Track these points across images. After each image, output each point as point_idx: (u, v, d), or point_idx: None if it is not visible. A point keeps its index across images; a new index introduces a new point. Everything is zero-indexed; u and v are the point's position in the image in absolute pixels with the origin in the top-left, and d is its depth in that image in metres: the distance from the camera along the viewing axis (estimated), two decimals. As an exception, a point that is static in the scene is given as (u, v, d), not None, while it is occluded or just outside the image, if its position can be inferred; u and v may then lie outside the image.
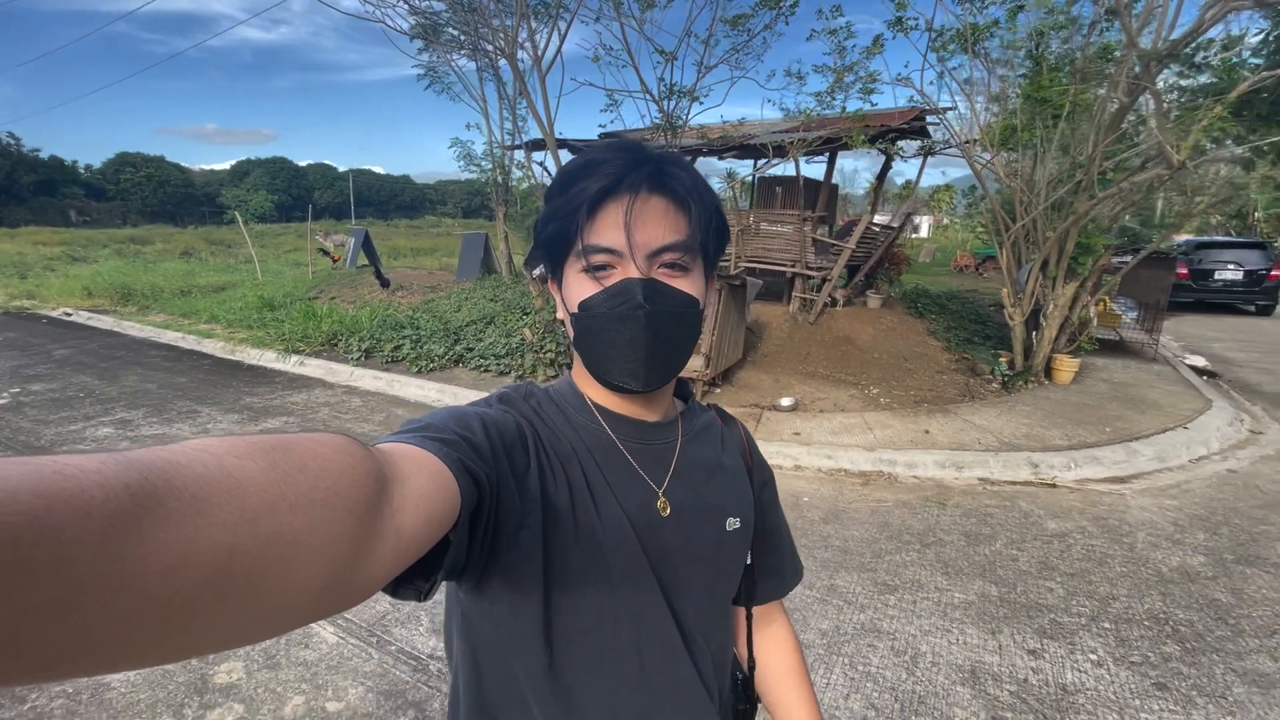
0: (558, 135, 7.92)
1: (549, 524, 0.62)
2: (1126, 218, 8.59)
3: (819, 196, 9.81)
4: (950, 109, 8.06)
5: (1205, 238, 15.52)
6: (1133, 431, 5.49)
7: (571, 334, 0.69)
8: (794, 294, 8.24)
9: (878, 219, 10.53)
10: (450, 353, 7.40)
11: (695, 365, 6.11)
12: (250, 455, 0.29)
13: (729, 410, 0.94)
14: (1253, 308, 13.55)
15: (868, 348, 7.67)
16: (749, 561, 0.82)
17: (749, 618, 0.87)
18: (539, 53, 7.49)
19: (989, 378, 6.81)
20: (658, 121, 7.71)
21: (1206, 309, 13.69)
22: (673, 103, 7.54)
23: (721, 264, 5.54)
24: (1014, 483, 4.71)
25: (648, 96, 7.42)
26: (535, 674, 0.64)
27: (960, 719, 2.38)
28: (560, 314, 0.71)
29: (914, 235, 12.03)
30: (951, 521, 4.02)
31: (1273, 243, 16.31)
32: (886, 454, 5.03)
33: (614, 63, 7.68)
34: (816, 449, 5.15)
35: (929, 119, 8.57)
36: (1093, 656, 2.74)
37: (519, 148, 9.65)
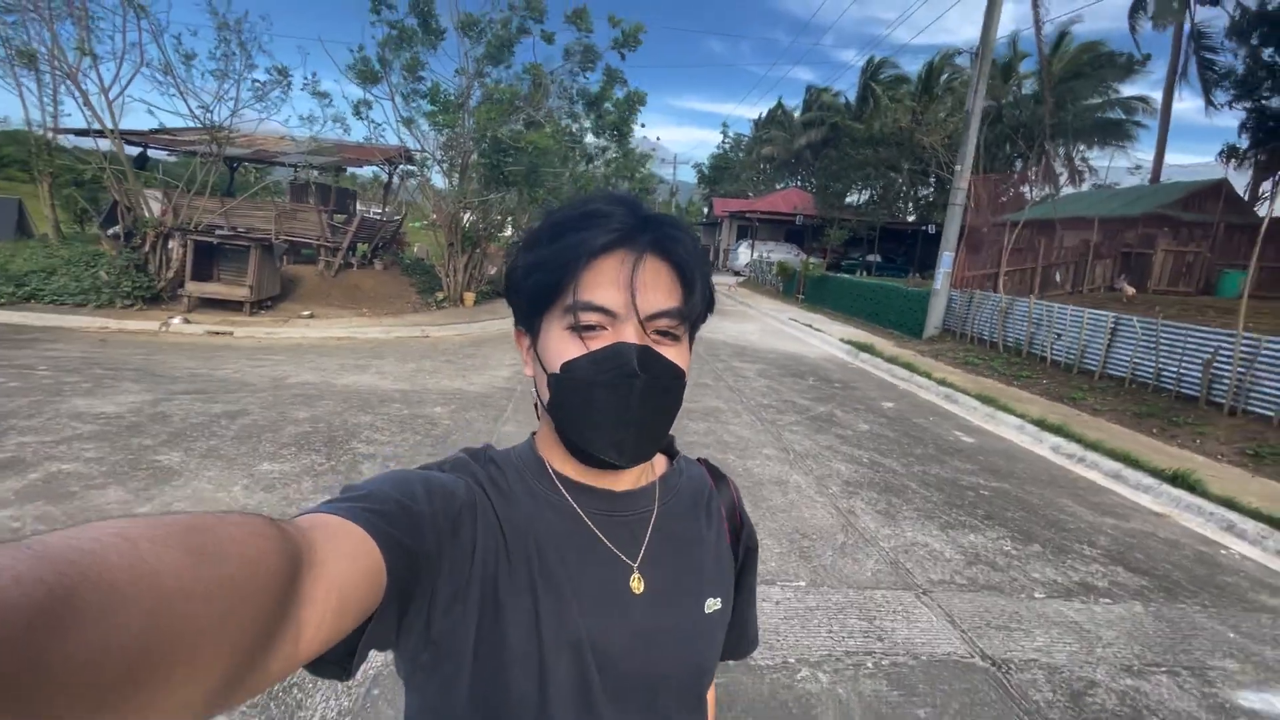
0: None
1: (487, 601, 0.57)
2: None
3: (331, 197, 14.60)
4: (421, 151, 13.78)
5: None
6: (481, 318, 12.00)
7: (546, 396, 0.62)
8: (320, 258, 12.79)
9: (383, 213, 15.92)
10: (19, 292, 9.48)
11: (241, 294, 10.15)
12: (165, 541, 0.28)
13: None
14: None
15: (370, 290, 12.81)
16: None
17: None
18: (104, 84, 10.08)
19: (431, 303, 12.77)
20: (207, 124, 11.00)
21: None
22: (215, 118, 11.01)
23: (262, 232, 10.16)
24: (403, 338, 10.43)
25: (193, 117, 10.80)
26: None
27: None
28: (529, 370, 0.65)
29: (417, 224, 17.72)
30: (371, 347, 9.36)
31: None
32: (358, 329, 10.21)
33: (164, 87, 10.70)
34: (320, 329, 9.98)
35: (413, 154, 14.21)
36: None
37: (97, 135, 11.25)
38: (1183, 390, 7.56)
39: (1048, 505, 4.94)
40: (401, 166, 14.45)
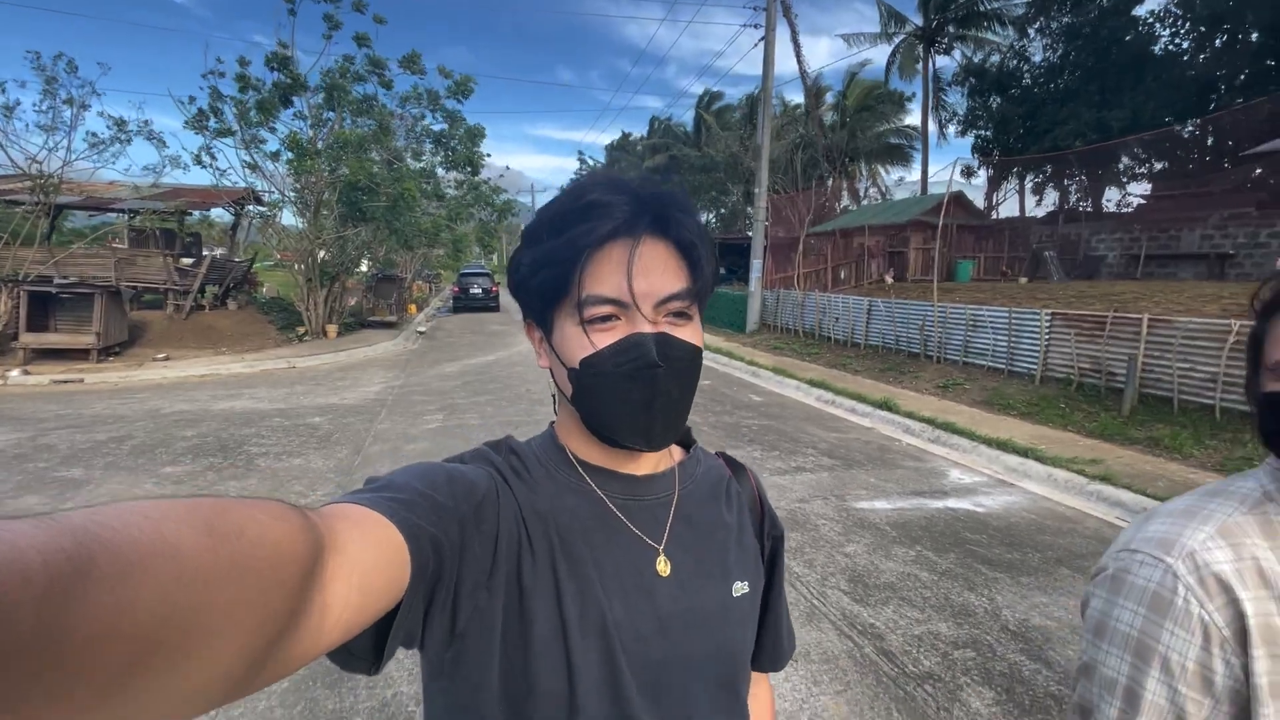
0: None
1: (511, 591, 0.57)
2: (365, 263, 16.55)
3: (176, 241, 14.44)
4: (268, 192, 14.08)
5: (467, 267, 26.89)
6: (346, 348, 12.62)
7: (567, 389, 0.63)
8: (169, 302, 12.69)
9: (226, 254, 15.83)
10: None
11: (87, 341, 10.10)
12: (187, 520, 0.28)
13: None
14: (491, 307, 24.97)
15: (226, 330, 12.91)
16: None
17: None
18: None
19: (293, 337, 13.13)
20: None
21: (469, 310, 24.36)
22: (45, 168, 10.80)
23: (101, 280, 10.25)
24: (270, 370, 10.90)
25: (14, 166, 10.56)
26: None
27: (210, 402, 8.11)
28: (545, 363, 0.66)
29: (265, 264, 17.76)
30: (238, 380, 9.80)
31: (494, 274, 29.25)
32: (222, 366, 10.52)
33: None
34: (180, 369, 10.19)
35: (261, 195, 14.42)
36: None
37: None
38: (910, 349, 10.23)
39: (797, 431, 6.92)
40: (249, 208, 14.62)
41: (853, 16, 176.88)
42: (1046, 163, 18.22)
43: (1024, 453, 5.76)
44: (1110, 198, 19.90)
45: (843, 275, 15.65)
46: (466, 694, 0.58)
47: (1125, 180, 19.65)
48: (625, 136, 60.95)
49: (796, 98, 33.16)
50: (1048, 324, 7.89)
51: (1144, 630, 0.65)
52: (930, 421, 6.89)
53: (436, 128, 14.37)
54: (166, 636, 0.25)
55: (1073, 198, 19.65)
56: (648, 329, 0.59)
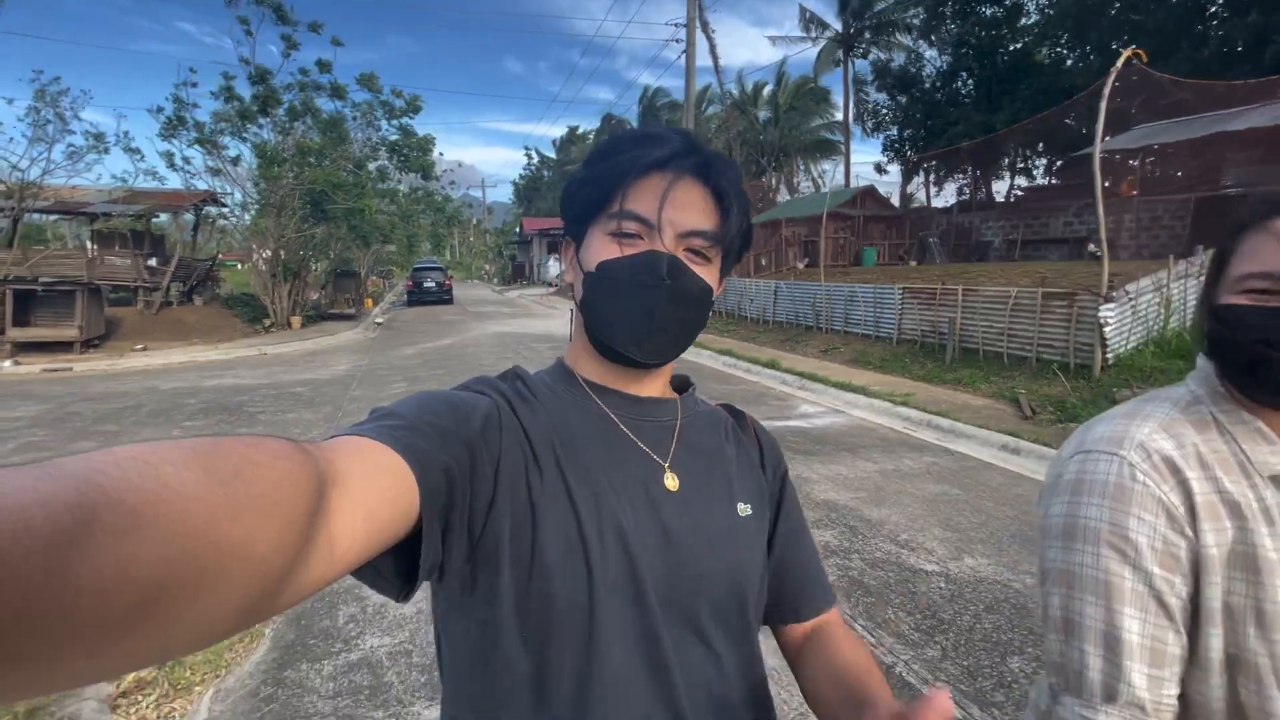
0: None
1: (523, 508, 0.58)
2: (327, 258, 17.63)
3: (145, 242, 15.29)
4: (228, 193, 15.04)
5: (421, 262, 27.85)
6: (312, 337, 13.80)
7: (580, 294, 0.66)
8: (139, 299, 13.61)
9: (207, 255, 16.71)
10: None
11: (70, 334, 11.07)
12: (186, 463, 0.28)
13: None
14: (446, 300, 26.03)
15: (194, 323, 13.91)
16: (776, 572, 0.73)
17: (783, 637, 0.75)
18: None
19: (260, 329, 14.22)
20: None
21: (424, 304, 25.42)
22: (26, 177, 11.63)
23: (73, 279, 11.24)
24: (244, 356, 12.06)
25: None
26: (518, 680, 0.58)
27: (199, 381, 9.32)
28: (570, 276, 0.69)
29: (243, 264, 18.65)
30: (217, 365, 10.95)
31: (447, 268, 30.27)
32: (199, 354, 11.63)
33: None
34: (160, 358, 11.28)
35: (222, 196, 15.35)
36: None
37: None
38: (806, 323, 12.12)
39: (700, 387, 8.64)
40: (208, 209, 15.54)
41: (786, 16, 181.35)
42: (935, 159, 20.54)
43: (858, 390, 7.62)
44: (999, 190, 22.44)
45: (763, 263, 17.54)
46: (485, 616, 0.58)
47: (1008, 175, 22.21)
48: (573, 130, 62.01)
49: (736, 89, 34.97)
50: (900, 298, 9.83)
51: (1113, 521, 0.66)
52: (801, 374, 8.73)
53: (391, 137, 15.62)
54: (174, 579, 0.26)
55: (965, 191, 22.10)
56: (666, 251, 0.62)
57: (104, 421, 6.73)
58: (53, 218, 15.12)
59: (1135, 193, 15.08)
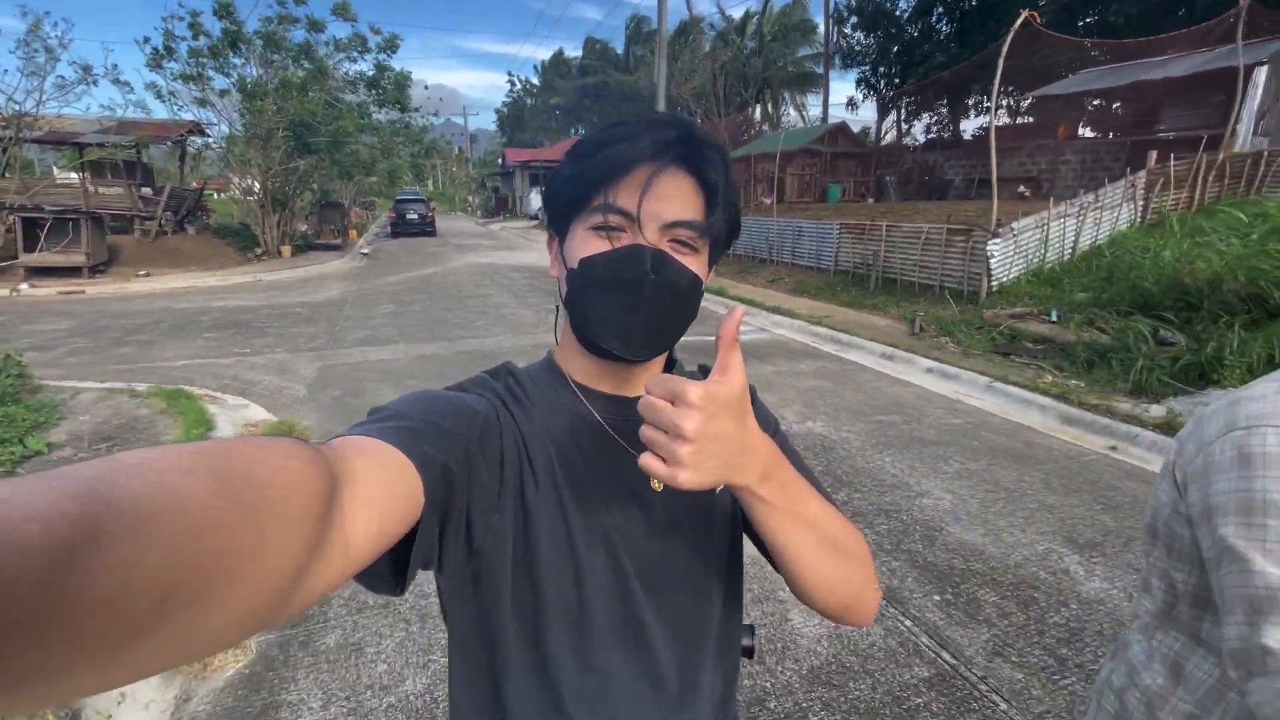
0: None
1: (517, 509, 0.62)
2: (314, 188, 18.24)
3: (138, 172, 15.82)
4: (213, 124, 15.52)
5: (403, 193, 28.25)
6: (302, 265, 14.71)
7: (564, 292, 0.67)
8: (135, 228, 14.37)
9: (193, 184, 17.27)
10: None
11: (79, 260, 11.95)
12: (192, 469, 0.28)
13: None
14: (429, 232, 26.65)
15: (190, 252, 14.74)
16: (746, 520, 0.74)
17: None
18: None
19: (252, 257, 15.10)
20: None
21: (407, 235, 26.03)
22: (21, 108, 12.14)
23: (72, 208, 12.20)
24: (241, 283, 13.03)
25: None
26: (520, 665, 0.64)
27: (205, 303, 10.39)
28: (554, 272, 0.70)
29: (221, 194, 19.06)
30: (218, 291, 11.94)
31: (430, 200, 30.68)
32: (199, 280, 12.58)
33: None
34: (163, 283, 12.23)
35: (207, 127, 15.84)
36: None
37: None
38: (760, 256, 13.24)
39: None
40: (193, 139, 16.03)
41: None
42: (903, 95, 21.08)
43: (786, 314, 8.87)
44: (967, 129, 23.06)
45: (731, 198, 18.44)
46: (485, 608, 0.63)
47: (972, 114, 22.81)
48: (559, 54, 60.27)
49: (720, 19, 34.47)
50: (836, 233, 10.94)
51: None
52: (738, 298, 9.94)
53: (369, 72, 16.02)
54: (184, 586, 0.25)
55: (934, 130, 22.72)
56: (650, 244, 0.61)
57: (134, 333, 7.85)
58: (36, 150, 15.49)
59: (1069, 136, 15.98)
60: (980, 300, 8.15)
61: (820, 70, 33.47)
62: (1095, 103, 17.47)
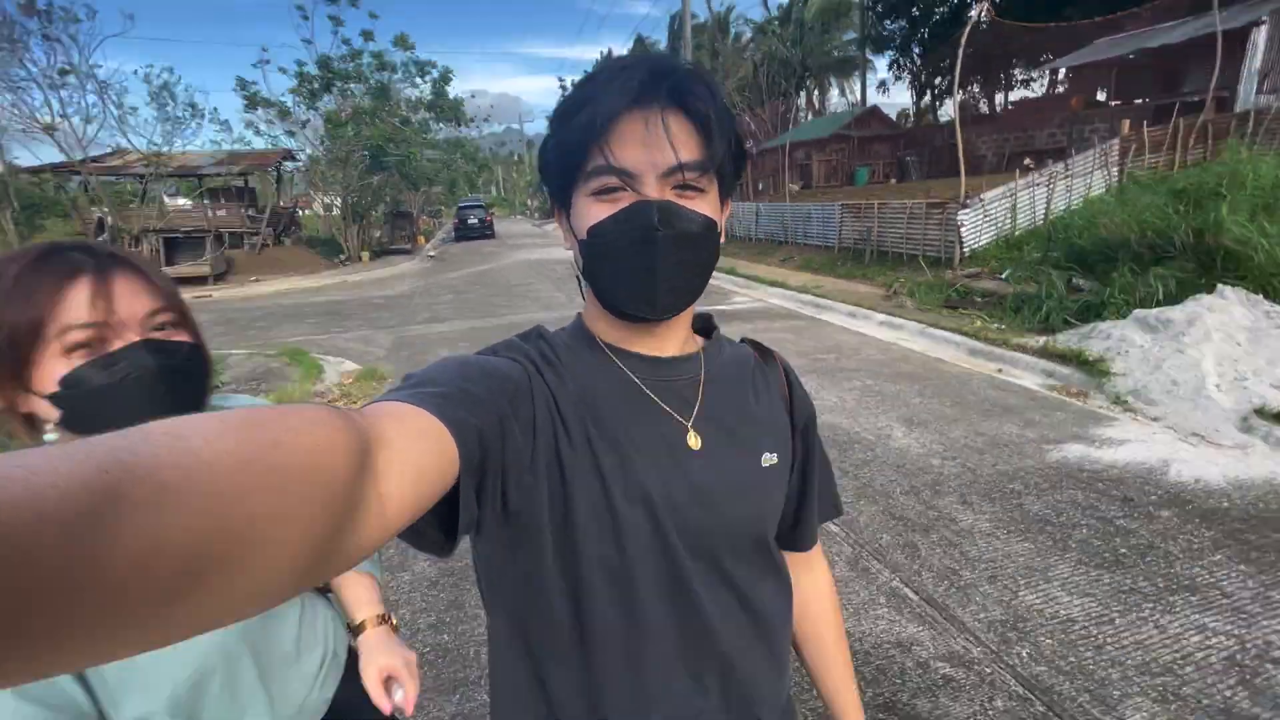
0: None
1: (553, 471, 0.61)
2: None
3: (246, 196, 18.74)
4: (301, 150, 18.12)
5: (464, 201, 30.74)
6: (379, 268, 17.02)
7: (581, 264, 0.66)
8: (245, 242, 17.14)
9: (286, 204, 20.12)
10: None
11: (204, 270, 14.61)
12: (220, 435, 0.28)
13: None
14: (488, 235, 29.00)
15: (287, 260, 17.38)
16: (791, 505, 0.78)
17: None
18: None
19: (337, 263, 17.59)
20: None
21: (468, 239, 28.46)
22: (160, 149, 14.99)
23: (198, 230, 14.95)
24: (330, 284, 15.38)
25: (136, 151, 14.71)
26: (562, 630, 0.64)
27: (305, 300, 12.65)
28: (568, 244, 0.68)
29: (305, 210, 22.09)
30: (313, 290, 14.29)
31: (490, 205, 33.04)
32: (297, 283, 15.01)
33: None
34: (271, 286, 14.72)
35: (296, 154, 18.50)
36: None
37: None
38: (776, 239, 14.42)
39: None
40: (286, 164, 18.74)
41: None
42: (936, 75, 21.45)
43: (781, 285, 10.14)
44: (1001, 103, 23.08)
45: (760, 187, 19.52)
46: (530, 569, 0.63)
47: (1003, 89, 22.82)
48: (607, 55, 62.16)
49: (757, 13, 35.19)
50: (839, 213, 12.03)
51: None
52: (748, 276, 11.27)
53: (428, 98, 18.34)
54: (215, 550, 0.25)
55: (965, 107, 22.91)
56: (654, 197, 0.60)
57: (256, 321, 10.05)
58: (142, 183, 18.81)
59: (1085, 106, 16.18)
60: (954, 266, 9.15)
61: (855, 55, 33.76)
62: (1114, 71, 17.47)
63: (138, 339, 0.71)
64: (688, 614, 0.66)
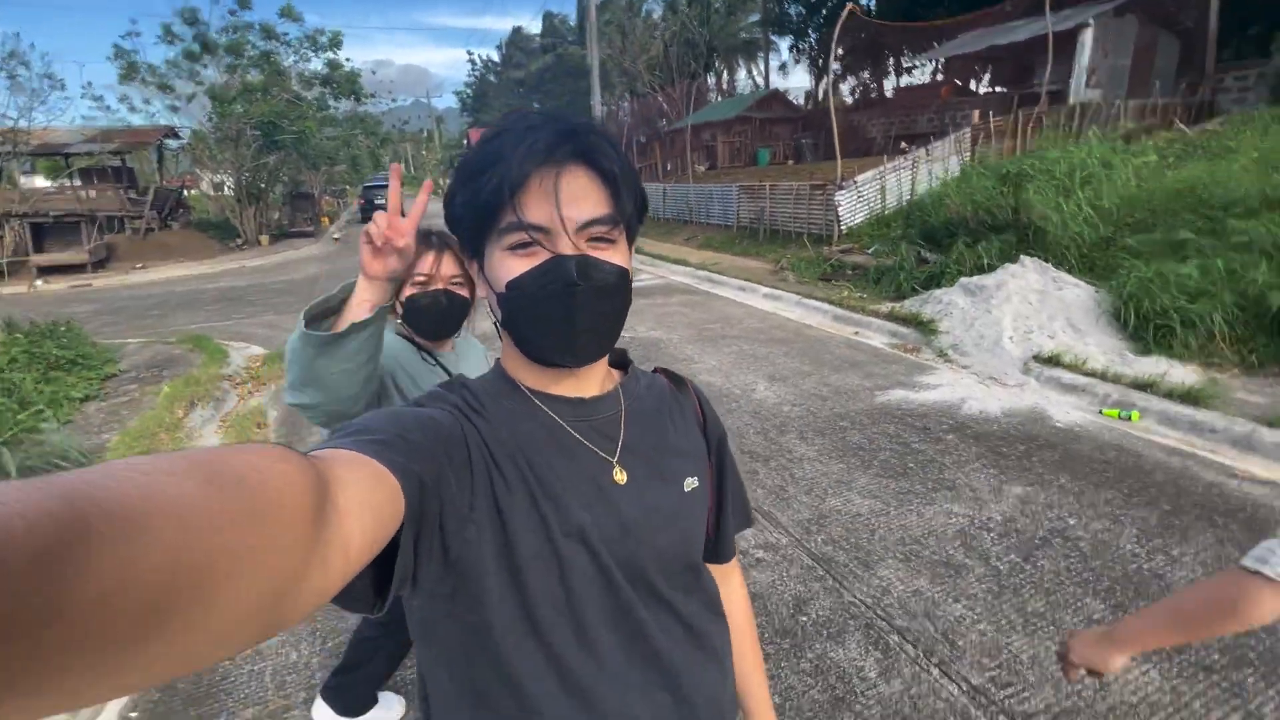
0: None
1: (491, 516, 0.62)
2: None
3: (123, 176, 17.38)
4: (189, 127, 17.03)
5: (371, 180, 29.64)
6: (280, 252, 16.44)
7: (499, 315, 0.68)
8: (127, 226, 16.02)
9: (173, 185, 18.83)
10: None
11: (82, 258, 13.65)
12: (185, 473, 0.28)
13: None
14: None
15: (177, 245, 16.43)
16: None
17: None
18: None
19: (233, 247, 16.81)
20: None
21: (378, 219, 27.61)
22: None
23: (71, 213, 14.04)
24: (228, 269, 14.78)
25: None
26: (511, 669, 0.65)
27: (200, 287, 12.17)
28: (482, 292, 0.70)
29: (191, 190, 20.69)
30: (210, 276, 13.70)
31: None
32: (190, 269, 14.31)
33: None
34: (160, 273, 13.96)
35: (180, 131, 17.34)
36: (234, 279, 13.01)
37: None
38: (681, 218, 15.14)
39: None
40: (169, 142, 17.56)
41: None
42: (822, 55, 22.71)
43: (682, 263, 10.83)
44: (891, 88, 24.81)
45: (668, 168, 20.17)
46: (475, 620, 0.64)
47: (892, 74, 24.56)
48: (518, 31, 60.71)
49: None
50: (736, 194, 12.85)
51: None
52: (652, 255, 11.90)
53: (323, 70, 17.59)
54: (179, 586, 0.25)
55: (857, 92, 24.50)
56: (570, 252, 0.62)
57: (149, 310, 9.69)
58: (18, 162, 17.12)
59: (953, 94, 17.83)
60: (832, 242, 10.14)
61: (759, 37, 34.90)
62: (982, 63, 19.28)
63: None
64: (635, 639, 0.69)
